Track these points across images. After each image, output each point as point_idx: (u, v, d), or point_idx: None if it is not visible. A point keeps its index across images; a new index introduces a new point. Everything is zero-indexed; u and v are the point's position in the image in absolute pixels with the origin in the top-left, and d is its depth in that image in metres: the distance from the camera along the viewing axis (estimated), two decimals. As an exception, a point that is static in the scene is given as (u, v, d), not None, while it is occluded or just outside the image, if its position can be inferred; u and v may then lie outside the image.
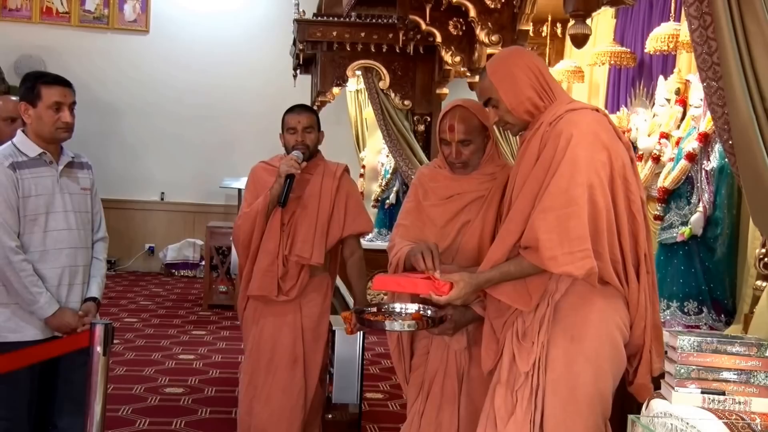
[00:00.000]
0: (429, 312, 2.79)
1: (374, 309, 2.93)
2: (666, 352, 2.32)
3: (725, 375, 2.16)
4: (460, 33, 5.52)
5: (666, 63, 4.63)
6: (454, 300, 2.53)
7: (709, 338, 2.19)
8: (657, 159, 3.95)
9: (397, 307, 2.86)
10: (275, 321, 3.77)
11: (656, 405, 2.23)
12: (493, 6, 4.75)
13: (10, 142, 3.27)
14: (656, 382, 2.40)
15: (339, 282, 4.41)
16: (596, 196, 2.38)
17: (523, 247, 2.44)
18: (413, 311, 2.83)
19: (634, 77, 5.04)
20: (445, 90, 7.21)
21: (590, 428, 2.42)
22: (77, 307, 3.28)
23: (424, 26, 5.50)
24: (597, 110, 2.57)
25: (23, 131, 3.27)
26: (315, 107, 8.33)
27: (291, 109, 3.82)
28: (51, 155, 3.25)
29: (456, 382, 2.84)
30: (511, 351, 2.52)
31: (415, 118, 7.28)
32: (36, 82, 3.22)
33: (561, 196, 2.38)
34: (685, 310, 3.58)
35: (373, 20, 6.89)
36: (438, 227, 2.87)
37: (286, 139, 3.78)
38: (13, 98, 3.95)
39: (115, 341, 5.33)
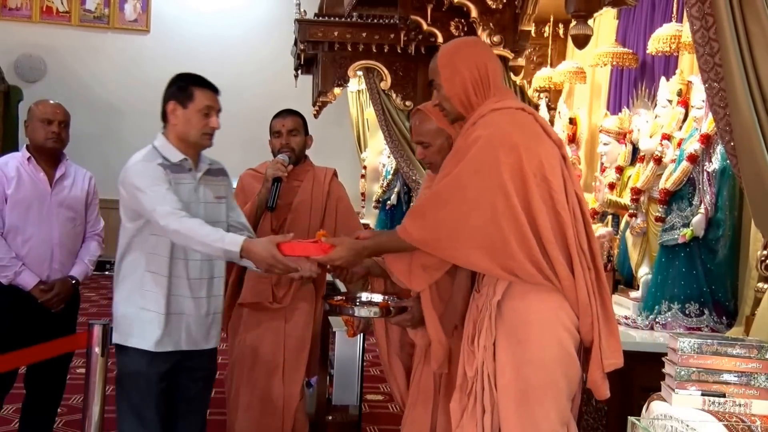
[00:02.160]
0: (393, 301, 2.88)
1: (342, 298, 3.07)
2: (666, 354, 2.32)
3: (725, 377, 2.16)
4: (462, 34, 5.50)
5: (668, 64, 4.62)
6: (335, 260, 2.67)
7: (709, 340, 2.18)
8: (659, 160, 3.94)
9: (363, 296, 2.98)
10: (258, 328, 3.76)
11: (656, 407, 2.23)
12: (494, 6, 4.74)
13: (150, 146, 3.09)
14: (656, 384, 2.39)
15: (339, 283, 4.41)
16: (496, 198, 2.38)
17: (402, 224, 2.53)
18: (379, 300, 2.93)
19: (636, 78, 5.02)
20: (447, 91, 7.19)
21: None
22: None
23: (425, 27, 5.49)
24: (523, 109, 2.55)
25: (163, 134, 3.10)
26: (316, 108, 8.35)
27: (277, 114, 3.86)
28: (191, 161, 3.09)
29: (431, 381, 2.84)
30: (463, 355, 2.55)
31: (416, 119, 7.27)
32: (190, 84, 3.07)
33: (452, 193, 2.43)
34: (687, 312, 3.57)
35: (375, 20, 6.87)
36: None
37: (272, 143, 3.82)
38: (52, 102, 3.88)
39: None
